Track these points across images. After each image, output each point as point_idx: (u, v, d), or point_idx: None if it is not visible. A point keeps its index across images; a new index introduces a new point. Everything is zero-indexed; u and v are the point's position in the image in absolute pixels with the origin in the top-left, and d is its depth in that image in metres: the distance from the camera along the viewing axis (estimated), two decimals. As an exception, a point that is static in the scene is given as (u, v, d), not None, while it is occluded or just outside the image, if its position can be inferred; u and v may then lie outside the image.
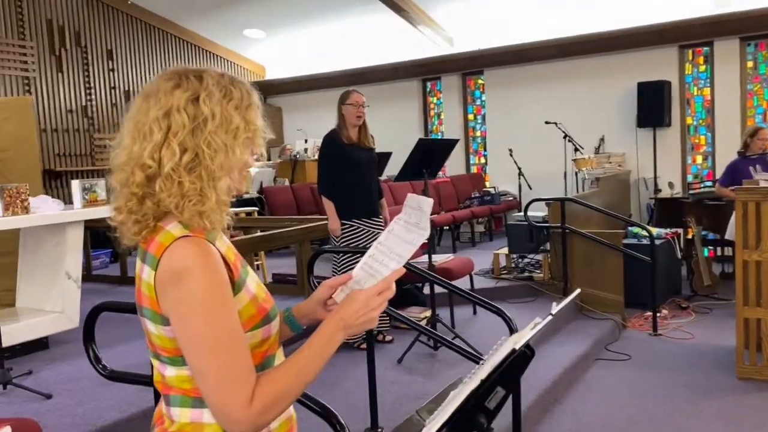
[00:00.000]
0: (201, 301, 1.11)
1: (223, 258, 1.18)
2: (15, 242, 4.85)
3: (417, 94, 10.77)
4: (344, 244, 4.52)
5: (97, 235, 7.86)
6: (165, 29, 10.08)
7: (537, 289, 5.83)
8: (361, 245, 4.51)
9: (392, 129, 9.67)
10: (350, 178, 4.54)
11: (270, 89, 11.83)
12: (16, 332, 4.34)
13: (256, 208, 7.57)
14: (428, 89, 10.93)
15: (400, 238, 1.35)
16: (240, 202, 7.90)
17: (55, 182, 8.40)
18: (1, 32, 7.92)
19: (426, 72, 10.47)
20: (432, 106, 10.96)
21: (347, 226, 4.53)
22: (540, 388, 3.89)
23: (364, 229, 4.56)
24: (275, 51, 11.24)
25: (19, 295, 4.84)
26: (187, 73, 1.22)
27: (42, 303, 4.67)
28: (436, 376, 4.01)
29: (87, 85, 8.96)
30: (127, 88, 9.52)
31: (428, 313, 5.20)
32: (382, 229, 4.84)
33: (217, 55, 11.04)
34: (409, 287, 5.25)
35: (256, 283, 1.27)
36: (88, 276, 7.46)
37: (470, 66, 10.02)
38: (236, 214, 7.25)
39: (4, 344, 4.17)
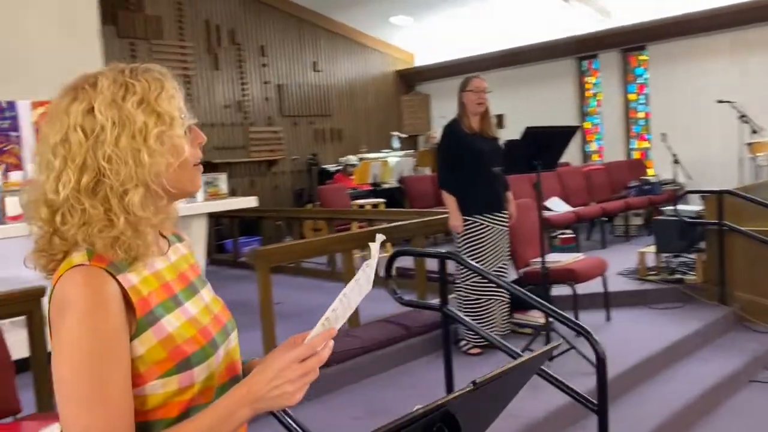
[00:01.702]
0: (71, 343, 0.96)
1: (126, 292, 1.01)
2: None
3: (572, 74, 10.05)
4: (466, 241, 4.23)
5: (247, 224, 8.29)
6: (314, 22, 10.35)
7: (687, 293, 5.10)
8: (484, 243, 4.21)
9: (546, 112, 9.11)
10: (472, 170, 4.23)
11: (418, 76, 11.73)
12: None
13: (383, 200, 7.49)
14: (584, 68, 10.14)
15: (361, 289, 1.11)
16: (377, 192, 7.90)
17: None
18: (166, 35, 8.60)
19: (581, 49, 9.72)
20: (588, 86, 10.17)
21: (469, 222, 4.24)
22: (666, 413, 3.36)
23: (487, 226, 4.24)
24: (422, 37, 11.08)
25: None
26: (82, 82, 1.07)
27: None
28: (543, 391, 3.62)
29: (242, 81, 9.47)
30: (278, 83, 9.92)
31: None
32: (507, 226, 4.54)
33: (365, 45, 11.14)
34: (534, 288, 4.84)
35: (188, 319, 1.08)
36: (235, 263, 7.91)
37: (631, 41, 9.12)
38: (361, 206, 7.26)
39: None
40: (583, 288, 4.59)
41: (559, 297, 4.72)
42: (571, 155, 9.65)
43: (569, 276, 4.41)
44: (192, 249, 1.27)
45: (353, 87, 10.97)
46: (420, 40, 11.29)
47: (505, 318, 4.40)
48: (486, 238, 4.23)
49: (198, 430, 0.98)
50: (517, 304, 4.48)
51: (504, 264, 4.35)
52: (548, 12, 9.23)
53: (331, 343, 1.07)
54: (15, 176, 4.25)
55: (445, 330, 3.03)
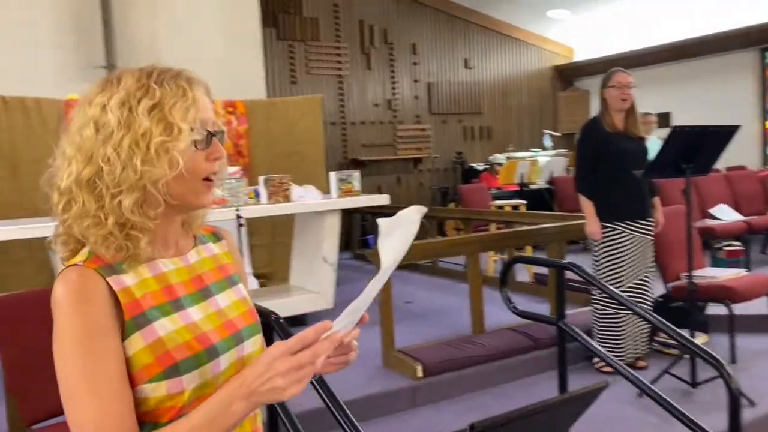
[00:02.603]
0: (62, 339, 0.98)
1: (117, 294, 1.01)
2: (267, 225, 5.59)
3: (752, 68, 9.00)
4: (604, 250, 3.91)
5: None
6: (467, 18, 10.21)
7: None
8: (624, 252, 3.86)
9: (718, 111, 8.25)
10: (613, 172, 3.90)
11: (577, 72, 11.16)
12: (281, 307, 4.84)
13: (524, 202, 7.17)
14: (767, 61, 9.04)
15: (383, 276, 1.03)
16: (523, 193, 7.61)
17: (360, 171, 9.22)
18: (322, 36, 8.93)
19: (764, 40, 8.66)
20: (772, 80, 9.04)
21: (608, 229, 3.91)
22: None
23: (628, 234, 3.89)
24: (581, 30, 10.50)
25: (292, 274, 5.40)
26: (114, 77, 1.08)
27: (306, 283, 5.12)
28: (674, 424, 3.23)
29: (392, 80, 9.58)
30: (428, 80, 9.91)
31: (705, 339, 4.29)
32: (652, 235, 4.13)
33: (520, 40, 10.79)
34: (684, 305, 4.37)
35: (186, 324, 1.05)
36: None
37: (827, 28, 7.95)
38: (500, 207, 7.00)
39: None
40: (745, 308, 4.07)
41: (716, 317, 4.24)
42: (747, 157, 8.65)
43: (724, 294, 3.92)
44: (231, 248, 1.24)
45: (506, 83, 10.68)
46: (579, 34, 10.72)
47: (645, 336, 4.01)
48: (626, 247, 3.87)
49: (193, 428, 0.94)
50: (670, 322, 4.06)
51: (647, 276, 3.96)
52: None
53: (351, 336, 1.02)
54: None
55: (560, 346, 2.80)
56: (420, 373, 3.62)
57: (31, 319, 2.13)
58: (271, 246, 6.18)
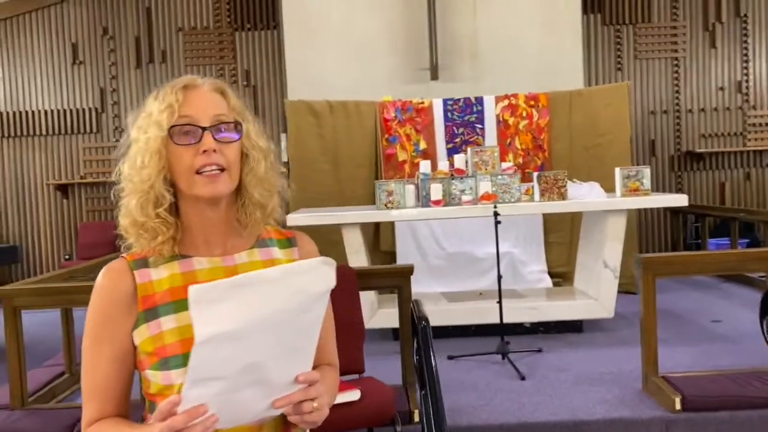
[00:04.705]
0: (86, 322, 1.17)
1: (137, 286, 1.15)
2: (565, 222, 5.55)
3: None
4: None
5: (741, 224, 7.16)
6: None
7: None
8: None
9: None
10: None
11: None
12: (550, 309, 4.65)
13: None
14: None
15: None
16: None
17: (696, 164, 8.12)
18: (657, 17, 8.08)
19: None
20: None
21: None
22: None
23: None
24: None
25: (576, 277, 5.10)
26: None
27: (587, 287, 4.79)
28: None
29: (744, 59, 8.17)
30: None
31: None
32: None
33: None
34: None
35: (181, 325, 1.13)
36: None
37: None
38: None
39: (535, 319, 4.57)
40: None
41: None
42: None
43: None
44: (304, 257, 1.23)
45: None
46: None
47: None
48: None
49: None
50: None
51: None
52: None
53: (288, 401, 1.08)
54: (441, 166, 4.77)
55: None
56: (678, 406, 3.09)
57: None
58: (570, 245, 5.92)
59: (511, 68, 6.88)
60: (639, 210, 5.59)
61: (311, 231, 5.13)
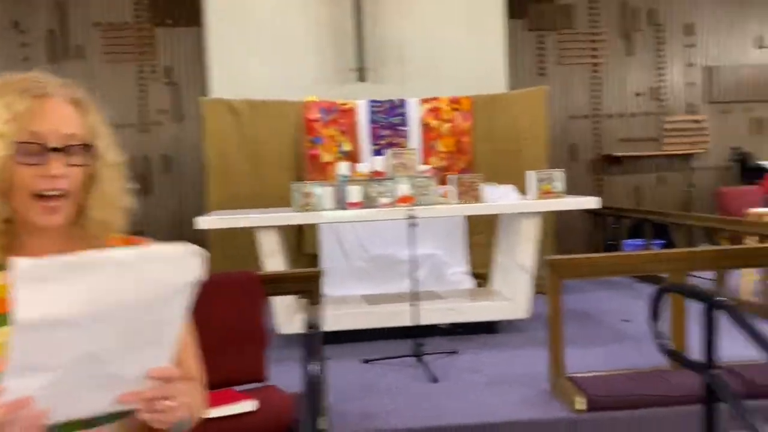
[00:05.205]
0: None
1: None
2: (487, 223, 5.42)
3: None
4: None
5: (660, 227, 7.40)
6: (764, -12, 8.53)
7: None
8: None
9: None
10: None
11: None
12: (467, 311, 4.68)
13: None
14: None
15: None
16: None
17: (615, 168, 8.37)
18: (578, 24, 8.30)
19: None
20: None
21: None
22: None
23: None
24: None
25: (493, 278, 5.16)
26: None
27: (503, 288, 4.85)
28: None
29: (658, 66, 8.49)
30: (706, 64, 8.55)
31: None
32: None
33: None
34: None
35: None
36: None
37: None
38: (761, 216, 5.65)
39: (453, 320, 4.58)
40: None
41: None
42: None
43: None
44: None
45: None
46: None
47: None
48: None
49: None
50: None
51: None
52: None
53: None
54: (361, 168, 4.74)
55: (706, 405, 2.15)
56: (581, 406, 3.15)
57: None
58: (492, 246, 5.99)
59: (437, 71, 6.93)
60: (558, 212, 5.69)
61: (229, 234, 4.98)
